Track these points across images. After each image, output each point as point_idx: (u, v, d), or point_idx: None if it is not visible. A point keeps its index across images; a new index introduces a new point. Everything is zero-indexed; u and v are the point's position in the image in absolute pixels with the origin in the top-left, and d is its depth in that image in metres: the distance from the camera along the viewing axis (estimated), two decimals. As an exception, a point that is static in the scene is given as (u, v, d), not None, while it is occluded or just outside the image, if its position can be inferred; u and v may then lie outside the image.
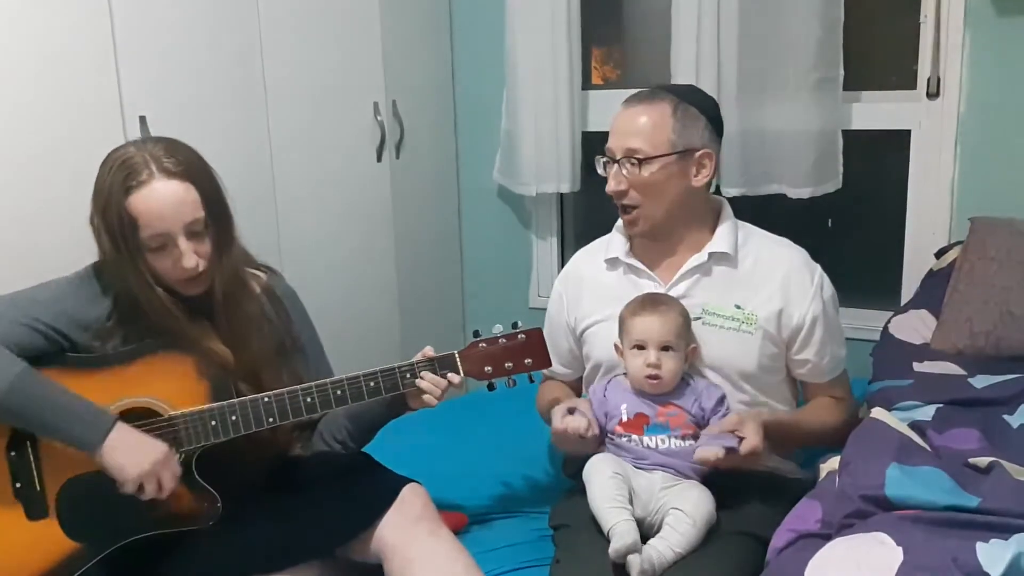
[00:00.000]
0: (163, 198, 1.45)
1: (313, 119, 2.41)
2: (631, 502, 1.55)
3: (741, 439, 1.54)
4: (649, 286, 1.75)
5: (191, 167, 1.49)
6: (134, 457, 1.43)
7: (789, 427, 1.70)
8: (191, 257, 1.47)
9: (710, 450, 1.53)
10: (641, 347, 1.63)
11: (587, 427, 1.60)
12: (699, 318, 1.70)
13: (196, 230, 1.48)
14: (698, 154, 1.70)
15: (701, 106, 1.73)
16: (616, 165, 1.70)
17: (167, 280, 1.50)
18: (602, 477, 1.57)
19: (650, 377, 1.62)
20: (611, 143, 1.72)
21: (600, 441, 1.66)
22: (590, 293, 1.82)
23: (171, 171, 1.46)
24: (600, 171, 1.76)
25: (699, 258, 1.74)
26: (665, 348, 1.62)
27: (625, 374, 1.69)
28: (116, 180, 1.45)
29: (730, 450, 1.53)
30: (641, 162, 1.67)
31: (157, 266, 1.48)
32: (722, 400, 1.65)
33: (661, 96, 1.72)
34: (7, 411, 1.41)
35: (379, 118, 2.58)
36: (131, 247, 1.46)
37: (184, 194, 1.47)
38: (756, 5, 2.36)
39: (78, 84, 1.88)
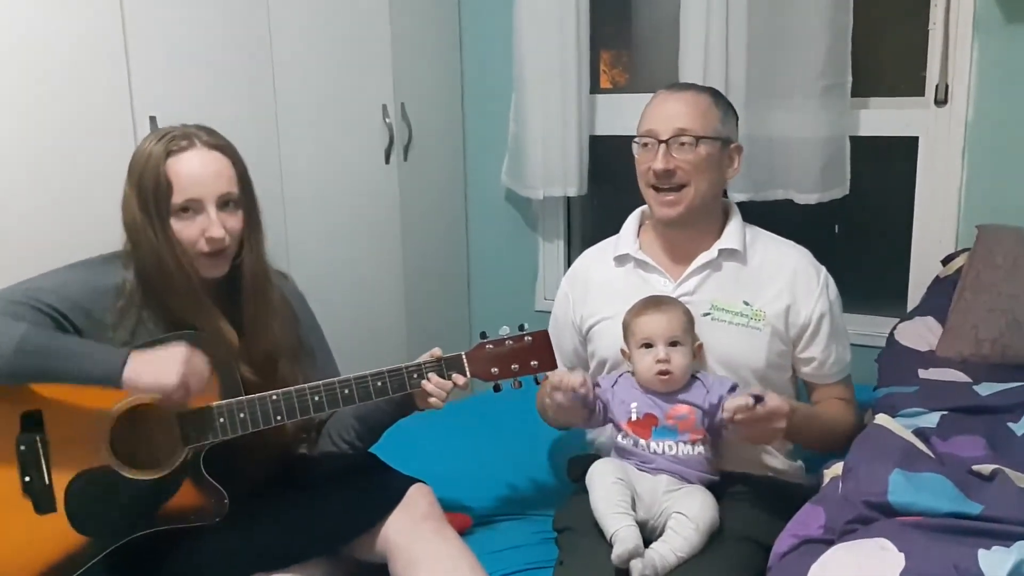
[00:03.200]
0: (201, 164, 1.50)
1: (322, 121, 2.42)
2: (634, 507, 1.55)
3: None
4: (658, 281, 1.76)
5: (229, 145, 1.55)
6: (159, 374, 1.42)
7: (806, 415, 1.68)
8: (219, 228, 1.50)
9: (739, 400, 1.51)
10: (649, 345, 1.64)
11: (582, 382, 1.58)
12: (708, 314, 1.71)
13: (226, 205, 1.52)
14: (732, 146, 1.75)
15: (730, 105, 1.79)
16: (663, 146, 1.69)
17: (190, 255, 1.51)
18: (604, 483, 1.57)
19: (661, 373, 1.62)
20: (654, 125, 1.71)
21: (591, 413, 1.64)
22: (597, 291, 1.83)
23: (212, 144, 1.52)
24: (636, 153, 1.75)
25: (709, 255, 1.75)
26: (673, 344, 1.63)
27: (633, 372, 1.69)
28: (157, 148, 1.49)
29: (757, 401, 1.50)
30: (698, 139, 1.68)
31: (183, 236, 1.50)
32: (734, 388, 1.64)
33: (700, 88, 1.78)
34: (21, 370, 1.40)
35: (388, 120, 2.59)
36: (161, 213, 1.48)
37: (221, 165, 1.52)
38: (765, 10, 2.37)
39: (89, 85, 1.89)
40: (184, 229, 1.50)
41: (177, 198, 1.48)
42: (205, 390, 1.48)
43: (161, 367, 1.43)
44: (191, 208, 1.49)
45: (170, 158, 1.48)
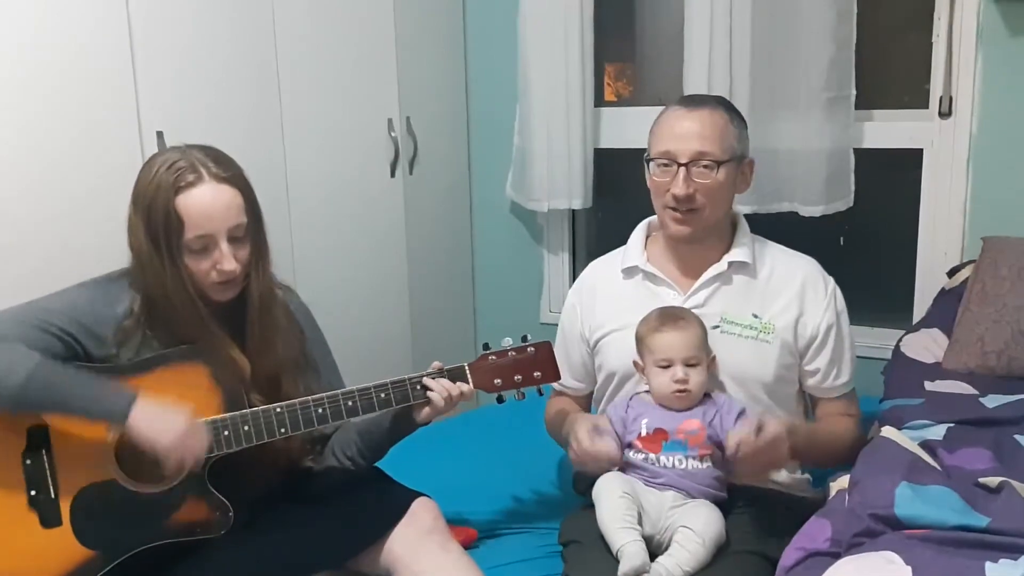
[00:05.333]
0: (212, 200, 1.48)
1: (328, 135, 2.43)
2: (640, 521, 1.55)
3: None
4: (667, 294, 1.76)
5: (237, 174, 1.54)
6: (159, 430, 1.43)
7: (807, 436, 1.68)
8: (231, 260, 1.50)
9: (743, 430, 1.51)
10: (667, 365, 1.63)
11: (617, 452, 1.59)
12: (717, 327, 1.71)
13: (237, 236, 1.52)
14: (745, 161, 1.75)
15: (741, 116, 1.78)
16: (683, 169, 1.68)
17: (201, 284, 1.52)
18: (611, 497, 1.57)
19: (679, 392, 1.62)
20: (672, 146, 1.68)
21: (620, 459, 1.65)
22: (605, 303, 1.82)
23: (220, 176, 1.50)
24: (656, 175, 1.71)
25: (719, 267, 1.74)
26: (691, 364, 1.62)
27: (647, 391, 1.68)
28: (165, 180, 1.48)
29: (758, 432, 1.51)
30: (719, 164, 1.67)
31: (195, 269, 1.50)
32: (742, 414, 1.64)
33: (714, 103, 1.75)
34: (29, 401, 1.42)
35: (393, 134, 2.61)
36: (172, 247, 1.48)
37: (231, 198, 1.51)
38: (769, 23, 2.38)
39: (96, 100, 1.90)
40: (196, 263, 1.50)
41: (189, 234, 1.48)
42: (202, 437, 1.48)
43: (162, 427, 1.44)
44: (203, 243, 1.49)
45: (179, 195, 1.47)
